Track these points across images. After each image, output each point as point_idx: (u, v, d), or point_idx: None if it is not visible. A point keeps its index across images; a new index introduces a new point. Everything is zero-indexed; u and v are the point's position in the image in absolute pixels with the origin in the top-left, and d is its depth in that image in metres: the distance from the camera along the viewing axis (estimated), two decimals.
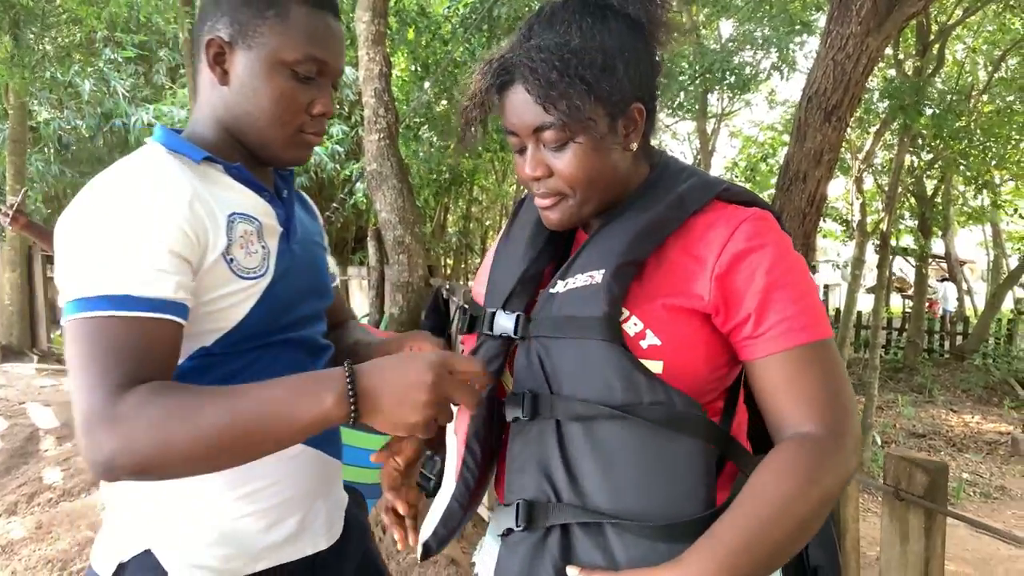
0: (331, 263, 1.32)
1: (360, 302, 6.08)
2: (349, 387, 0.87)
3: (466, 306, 1.12)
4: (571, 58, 0.91)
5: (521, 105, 0.95)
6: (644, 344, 0.93)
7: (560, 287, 1.00)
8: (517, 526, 0.97)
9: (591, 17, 0.94)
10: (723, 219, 0.95)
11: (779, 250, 0.94)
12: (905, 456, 1.52)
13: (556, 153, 0.97)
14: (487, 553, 1.13)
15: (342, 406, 0.87)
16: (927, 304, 13.73)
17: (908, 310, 13.83)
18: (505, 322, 1.03)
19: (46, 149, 8.89)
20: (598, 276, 0.95)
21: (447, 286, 3.92)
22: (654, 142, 1.09)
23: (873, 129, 8.17)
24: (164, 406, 0.86)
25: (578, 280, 0.98)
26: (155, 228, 0.94)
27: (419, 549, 1.11)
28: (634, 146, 0.99)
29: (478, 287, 1.15)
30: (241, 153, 1.12)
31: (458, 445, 1.10)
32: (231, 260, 1.02)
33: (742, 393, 1.03)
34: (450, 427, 1.13)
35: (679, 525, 0.90)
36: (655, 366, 0.93)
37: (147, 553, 1.03)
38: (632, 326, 0.94)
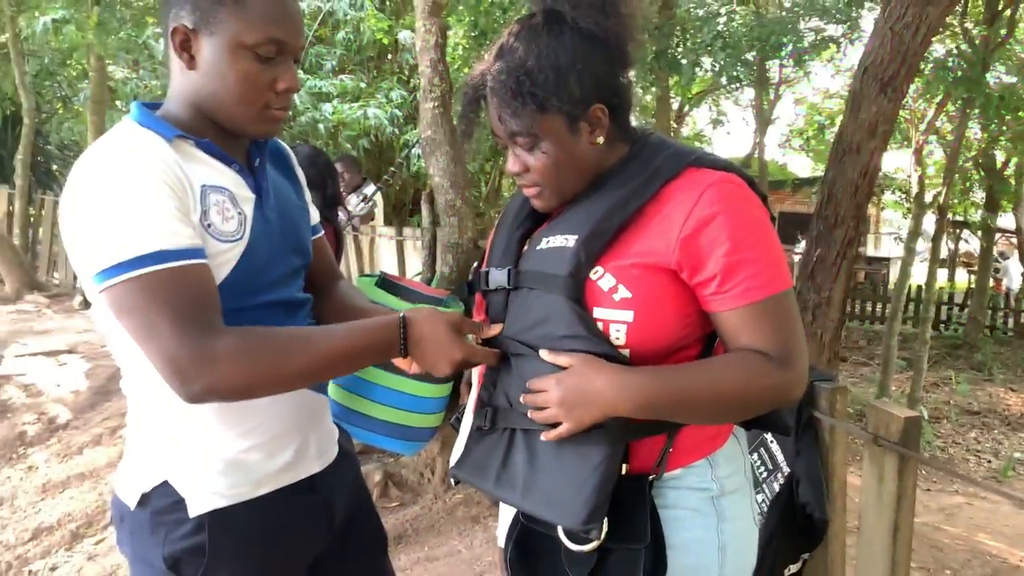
0: (314, 216, 1.43)
1: (414, 261, 6.37)
2: (402, 336, 1.15)
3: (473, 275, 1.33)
4: (525, 79, 1.08)
5: (494, 116, 1.15)
6: (616, 297, 1.10)
7: (543, 244, 1.19)
8: (484, 426, 1.20)
9: (548, 34, 1.10)
10: (691, 184, 1.11)
11: (740, 213, 1.08)
12: (883, 407, 1.67)
13: (528, 153, 1.15)
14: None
15: (397, 349, 1.16)
16: (992, 281, 13.34)
17: (972, 285, 13.43)
18: (498, 276, 1.23)
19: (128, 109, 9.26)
20: (571, 240, 1.13)
21: None
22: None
23: (936, 100, 7.94)
24: (261, 349, 1.06)
25: (556, 240, 1.16)
26: (158, 189, 1.04)
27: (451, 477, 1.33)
28: (600, 140, 1.15)
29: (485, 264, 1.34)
30: (212, 129, 1.18)
31: (475, 381, 1.30)
32: (208, 225, 1.11)
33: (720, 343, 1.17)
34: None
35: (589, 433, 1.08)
36: (626, 315, 1.10)
37: (165, 483, 1.16)
38: (606, 281, 1.11)
